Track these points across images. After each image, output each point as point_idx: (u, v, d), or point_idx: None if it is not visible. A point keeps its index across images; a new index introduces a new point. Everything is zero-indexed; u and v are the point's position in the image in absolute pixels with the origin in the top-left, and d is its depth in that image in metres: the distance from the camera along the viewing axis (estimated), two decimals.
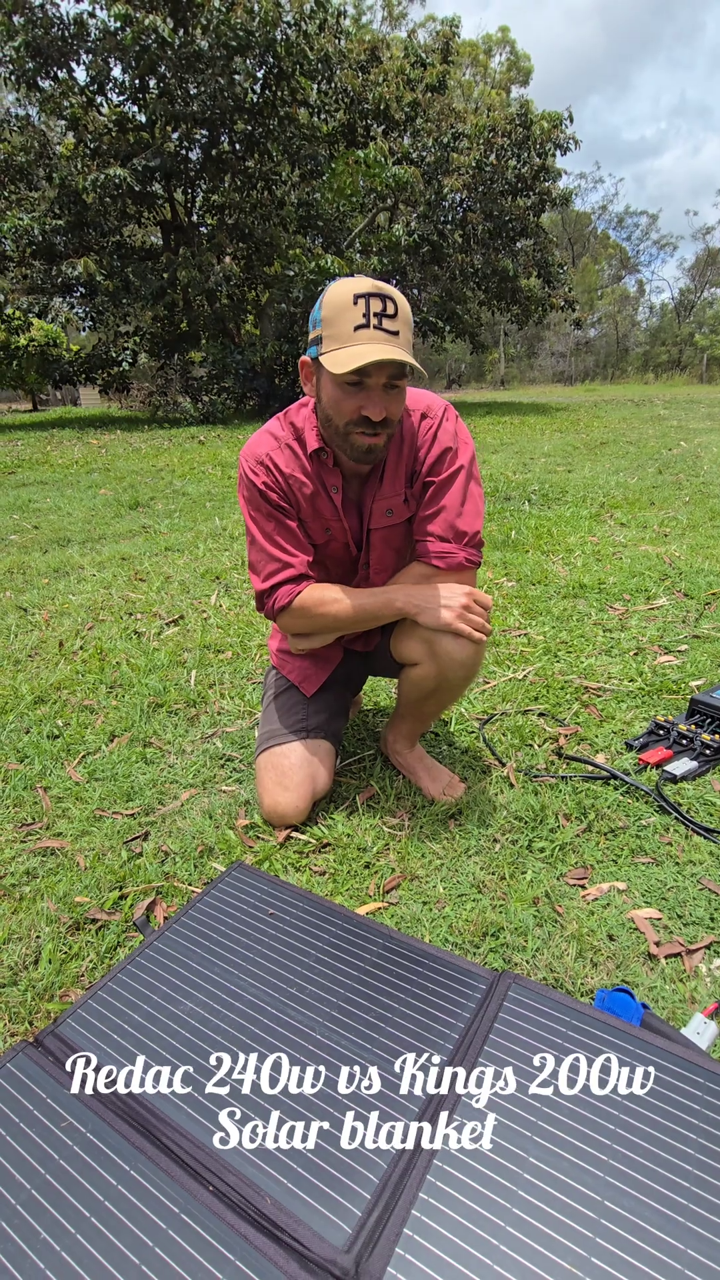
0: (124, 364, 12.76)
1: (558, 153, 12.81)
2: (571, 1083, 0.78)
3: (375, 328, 1.02)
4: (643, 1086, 0.77)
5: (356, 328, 1.02)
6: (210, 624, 2.39)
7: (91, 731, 1.68)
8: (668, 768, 1.41)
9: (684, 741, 1.51)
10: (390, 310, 1.03)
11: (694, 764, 1.43)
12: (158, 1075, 0.83)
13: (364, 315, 1.01)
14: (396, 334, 1.04)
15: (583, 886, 1.12)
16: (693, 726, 1.53)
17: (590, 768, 1.44)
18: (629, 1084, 0.78)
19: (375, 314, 1.02)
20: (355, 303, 1.02)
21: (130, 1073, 0.83)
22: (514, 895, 1.10)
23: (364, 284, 1.03)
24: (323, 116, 12.14)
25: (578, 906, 1.08)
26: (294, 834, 1.28)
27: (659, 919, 1.05)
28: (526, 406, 13.96)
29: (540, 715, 1.68)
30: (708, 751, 1.46)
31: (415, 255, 12.93)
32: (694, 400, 14.57)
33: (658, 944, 1.00)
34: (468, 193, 12.86)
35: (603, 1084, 0.78)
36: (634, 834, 1.24)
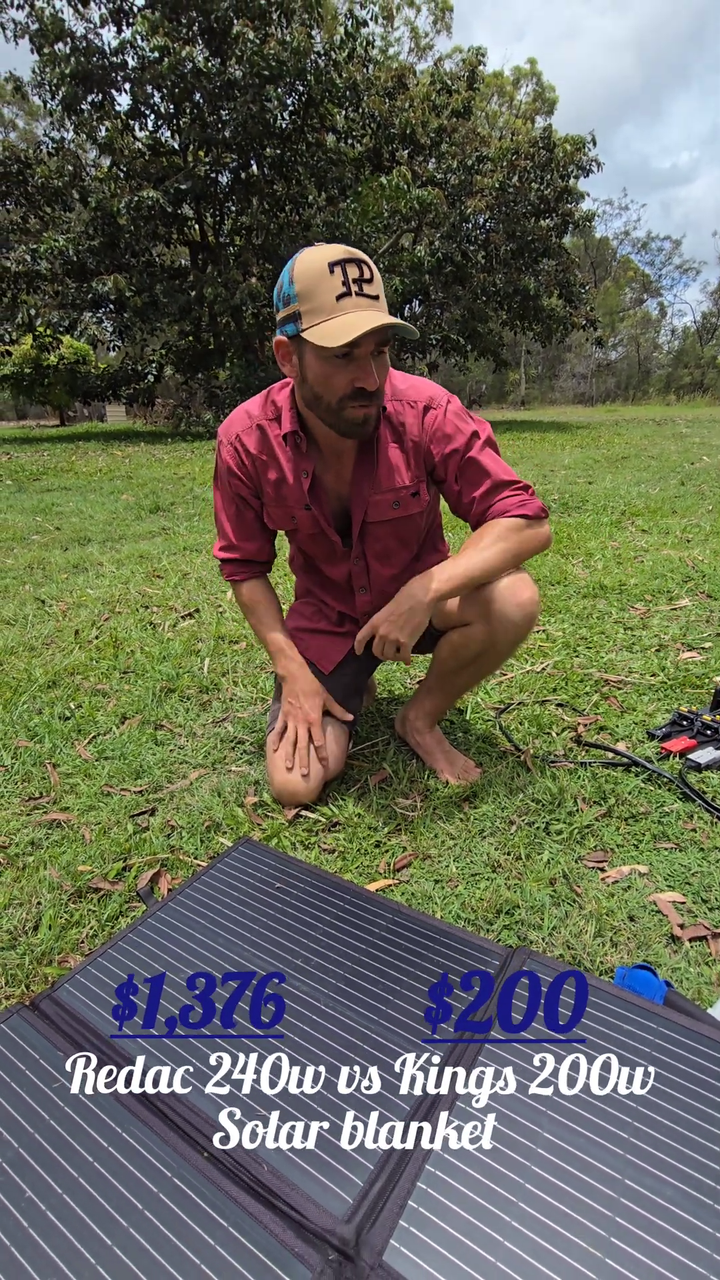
0: (149, 377, 13.00)
1: (580, 175, 12.93)
2: (591, 1060, 0.74)
3: (358, 294, 0.97)
4: (666, 1066, 0.72)
5: (339, 297, 0.96)
6: (225, 617, 2.38)
7: (103, 713, 1.66)
8: (692, 756, 1.36)
9: (709, 732, 1.45)
10: (366, 275, 0.98)
11: (719, 753, 1.37)
12: (155, 1041, 0.79)
13: (344, 283, 0.95)
14: (376, 298, 0.99)
15: (602, 869, 1.08)
16: (717, 717, 1.48)
17: (611, 754, 1.40)
18: (651, 1062, 0.73)
19: (354, 280, 0.97)
20: (332, 271, 0.95)
21: (126, 1039, 0.80)
22: (530, 875, 1.06)
23: (334, 250, 0.97)
24: (350, 141, 12.39)
25: (596, 888, 1.03)
26: (304, 813, 1.25)
27: (682, 902, 1.00)
28: (547, 424, 13.97)
29: (559, 705, 1.64)
30: None
31: (438, 275, 13.07)
32: (716, 420, 14.48)
33: (681, 926, 0.95)
34: (491, 214, 13.01)
35: (624, 1062, 0.73)
36: (656, 820, 1.19)
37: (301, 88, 10.72)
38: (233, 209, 12.34)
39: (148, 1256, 0.59)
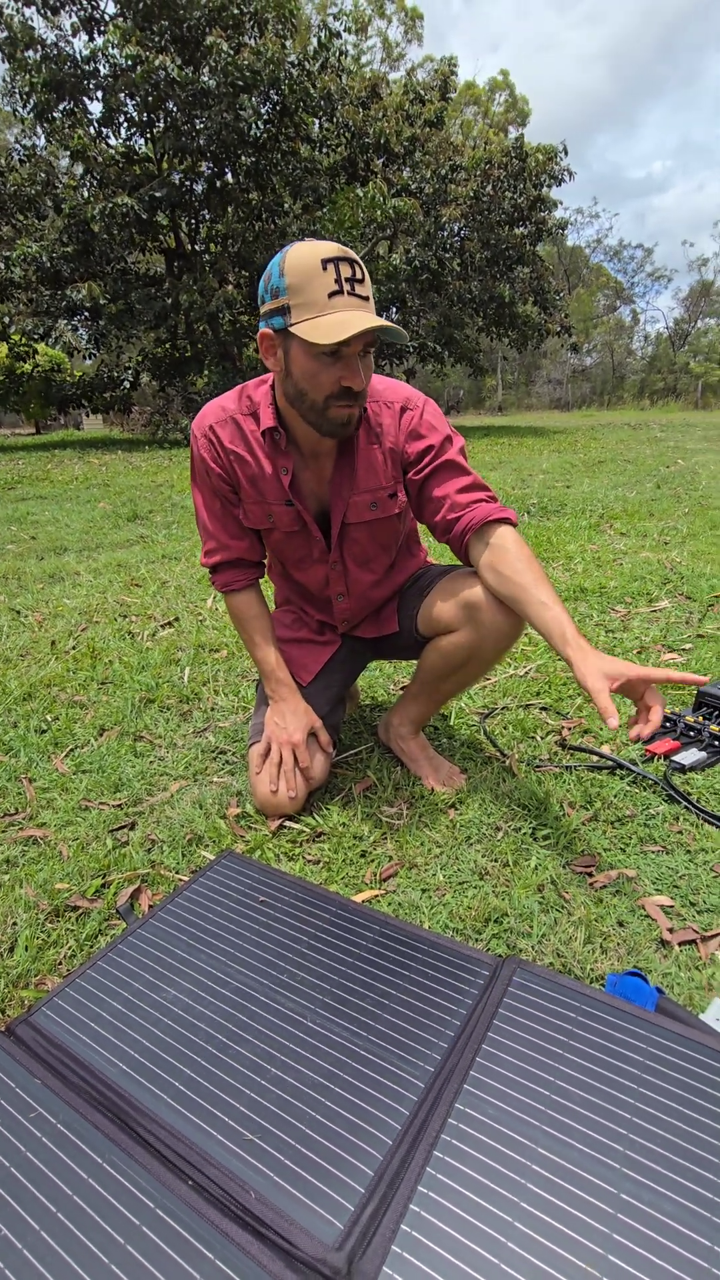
0: (125, 385, 12.90)
1: (553, 184, 13.10)
2: (582, 1069, 0.72)
3: (350, 294, 0.96)
4: (659, 1075, 0.71)
5: (331, 294, 0.95)
6: (206, 625, 2.35)
7: (81, 726, 1.63)
8: (676, 758, 1.36)
9: (692, 733, 1.46)
10: (359, 275, 0.98)
11: (703, 754, 1.38)
12: (136, 1065, 0.77)
13: (336, 281, 0.95)
14: (367, 299, 0.99)
15: (590, 874, 1.07)
16: (700, 718, 1.49)
17: (595, 758, 1.39)
18: (645, 1072, 0.72)
19: (347, 279, 0.96)
20: (325, 268, 0.95)
21: (107, 1063, 0.77)
22: (518, 882, 1.05)
23: (329, 247, 0.96)
24: (324, 150, 12.45)
25: (585, 893, 1.02)
26: (287, 823, 1.22)
27: (671, 906, 1.00)
28: (524, 429, 14.08)
29: (543, 709, 1.64)
30: (716, 742, 1.42)
31: (414, 283, 13.16)
32: (690, 424, 14.71)
33: (671, 930, 0.95)
34: (465, 222, 13.13)
35: (616, 1071, 0.72)
36: (642, 823, 1.19)
37: (276, 97, 10.76)
38: (208, 217, 12.32)
39: None
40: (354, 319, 0.95)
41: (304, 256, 0.96)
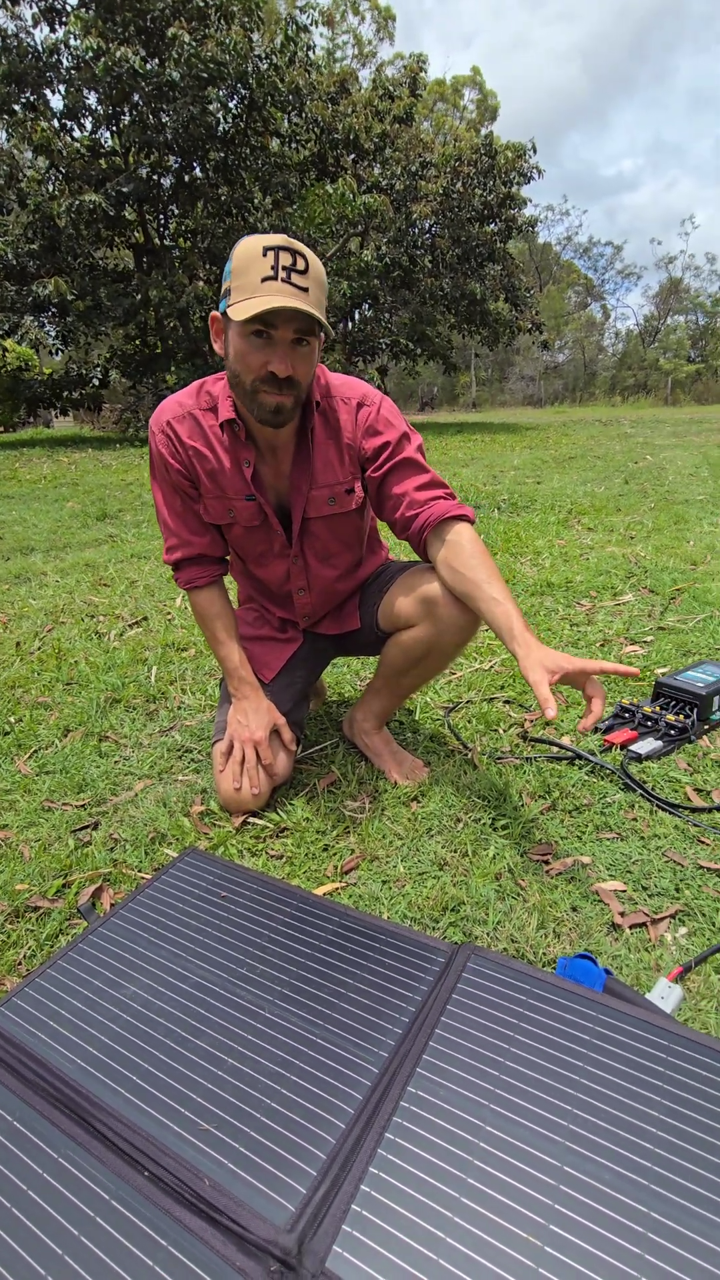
0: (94, 381, 12.73)
1: (522, 181, 13.20)
2: (531, 1050, 0.75)
3: (284, 280, 0.98)
4: (604, 1052, 0.74)
5: (264, 279, 0.98)
6: (174, 624, 2.34)
7: (45, 727, 1.62)
8: (633, 747, 1.40)
9: (649, 723, 1.49)
10: (300, 266, 0.99)
11: (659, 743, 1.41)
12: (94, 1061, 0.77)
13: (272, 268, 0.98)
14: (306, 290, 1.00)
15: (546, 862, 1.09)
16: (657, 708, 1.52)
17: (555, 749, 1.42)
18: (591, 1050, 0.74)
19: (284, 267, 0.98)
20: (265, 254, 0.98)
21: (65, 1060, 0.78)
22: (476, 871, 1.07)
23: (275, 238, 0.99)
24: (294, 146, 12.40)
25: (541, 880, 1.05)
26: (251, 819, 1.23)
27: (624, 891, 1.03)
28: (497, 426, 14.18)
29: (506, 703, 1.66)
30: (672, 732, 1.45)
31: (386, 279, 13.17)
32: (659, 420, 14.94)
33: (622, 914, 0.97)
34: (436, 219, 13.17)
35: (564, 1051, 0.74)
36: (599, 811, 1.22)
37: (244, 90, 10.68)
38: (177, 212, 12.20)
39: None
40: (273, 300, 0.97)
41: (250, 244, 1.00)
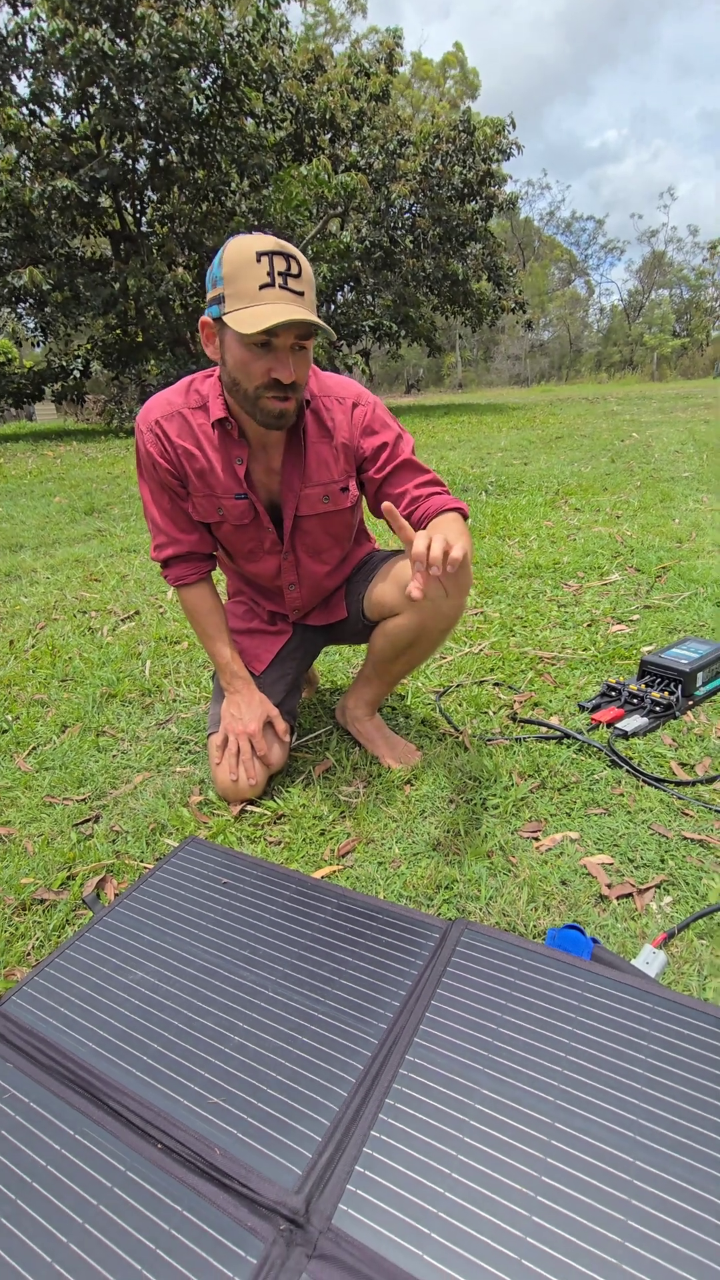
0: (75, 373, 12.58)
1: (501, 158, 13.05)
2: (522, 1016, 0.78)
3: (281, 287, 0.99)
4: (592, 1015, 0.78)
5: (262, 286, 0.98)
6: (167, 617, 2.36)
7: (42, 724, 1.64)
8: (619, 725, 1.43)
9: (635, 701, 1.53)
10: (294, 270, 1.00)
11: (644, 720, 1.45)
12: (105, 1043, 0.81)
13: (268, 274, 0.98)
14: (302, 294, 1.01)
15: (536, 838, 1.13)
16: (643, 686, 1.56)
17: (543, 729, 1.46)
18: (579, 1014, 0.78)
19: (280, 273, 0.99)
20: (259, 260, 0.98)
21: (77, 1043, 0.81)
22: (468, 850, 1.10)
23: (266, 241, 0.99)
24: (269, 126, 12.20)
25: (531, 857, 1.08)
26: (249, 808, 1.26)
27: (611, 864, 1.06)
28: (484, 407, 14.13)
29: (495, 685, 1.69)
30: (657, 709, 1.49)
31: (368, 261, 13.04)
32: (646, 396, 14.93)
33: (609, 886, 1.01)
34: (415, 198, 13.03)
35: (554, 1016, 0.78)
36: (586, 788, 1.25)
37: (216, 70, 10.49)
38: (154, 197, 12.02)
39: (104, 1249, 0.61)
40: (276, 311, 0.97)
41: (241, 248, 1.00)
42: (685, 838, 1.11)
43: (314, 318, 1.00)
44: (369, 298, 14.05)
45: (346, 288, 13.90)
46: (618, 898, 0.99)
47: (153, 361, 11.45)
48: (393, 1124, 0.69)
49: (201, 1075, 0.76)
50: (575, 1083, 0.71)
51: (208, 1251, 0.60)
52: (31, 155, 10.51)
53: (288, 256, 1.00)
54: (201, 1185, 0.65)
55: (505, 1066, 0.73)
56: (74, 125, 11.04)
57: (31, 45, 9.90)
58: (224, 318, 1.01)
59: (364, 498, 1.29)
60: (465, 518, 1.20)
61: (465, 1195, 0.62)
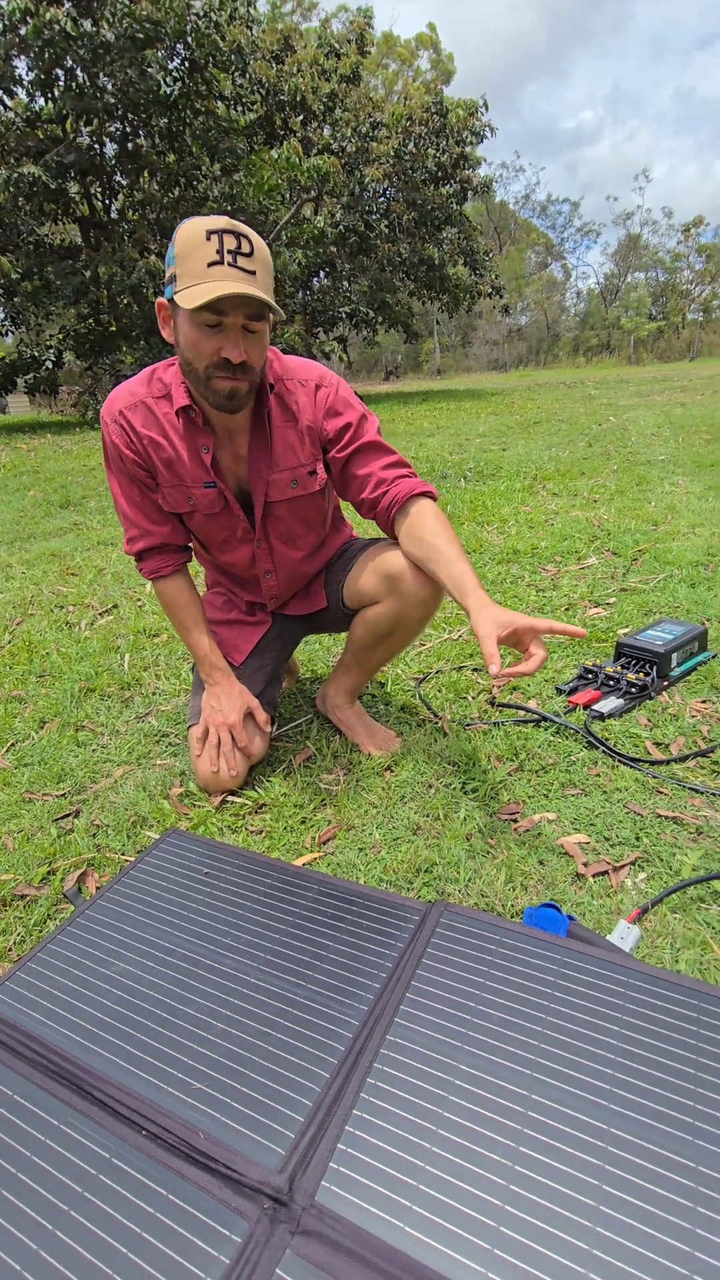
0: (47, 364, 12.37)
1: (475, 141, 12.96)
2: (500, 993, 0.80)
3: (230, 265, 0.98)
4: (568, 990, 0.79)
5: (210, 264, 0.97)
6: (145, 610, 2.34)
7: (20, 720, 1.63)
8: (596, 707, 1.45)
9: (611, 682, 1.55)
10: (246, 249, 0.99)
11: (620, 701, 1.47)
12: (89, 1035, 0.81)
13: (218, 252, 0.97)
14: (254, 274, 1.00)
15: (514, 820, 1.14)
16: (619, 668, 1.58)
17: (521, 712, 1.47)
18: (555, 989, 0.80)
19: (230, 250, 0.98)
20: (209, 239, 0.97)
21: (61, 1036, 0.81)
22: (448, 833, 1.12)
23: (218, 221, 0.99)
24: (240, 109, 12.00)
25: (509, 838, 1.10)
26: (230, 798, 1.27)
27: (587, 843, 1.08)
28: (462, 393, 14.11)
29: (475, 670, 1.71)
30: (633, 690, 1.51)
31: (343, 246, 12.92)
32: (623, 380, 14.99)
33: (585, 864, 1.03)
34: (389, 182, 12.91)
35: (530, 992, 0.80)
36: (563, 769, 1.27)
37: (184, 51, 10.28)
38: (123, 183, 11.79)
39: (90, 1235, 0.61)
40: (222, 286, 0.97)
41: (192, 228, 0.99)
42: (660, 815, 1.13)
43: (260, 294, 0.98)
44: (345, 284, 13.93)
45: (322, 274, 13.77)
46: (594, 875, 1.01)
47: (126, 350, 11.28)
48: (374, 1102, 0.70)
49: (185, 1062, 0.76)
50: (551, 1055, 0.72)
51: (193, 1233, 0.61)
52: None
53: (239, 235, 0.99)
54: (187, 1169, 0.66)
55: (483, 1043, 0.75)
56: (38, 109, 10.79)
57: None
58: (175, 297, 1.01)
59: (333, 479, 1.28)
60: (434, 500, 1.21)
61: (445, 1168, 0.63)
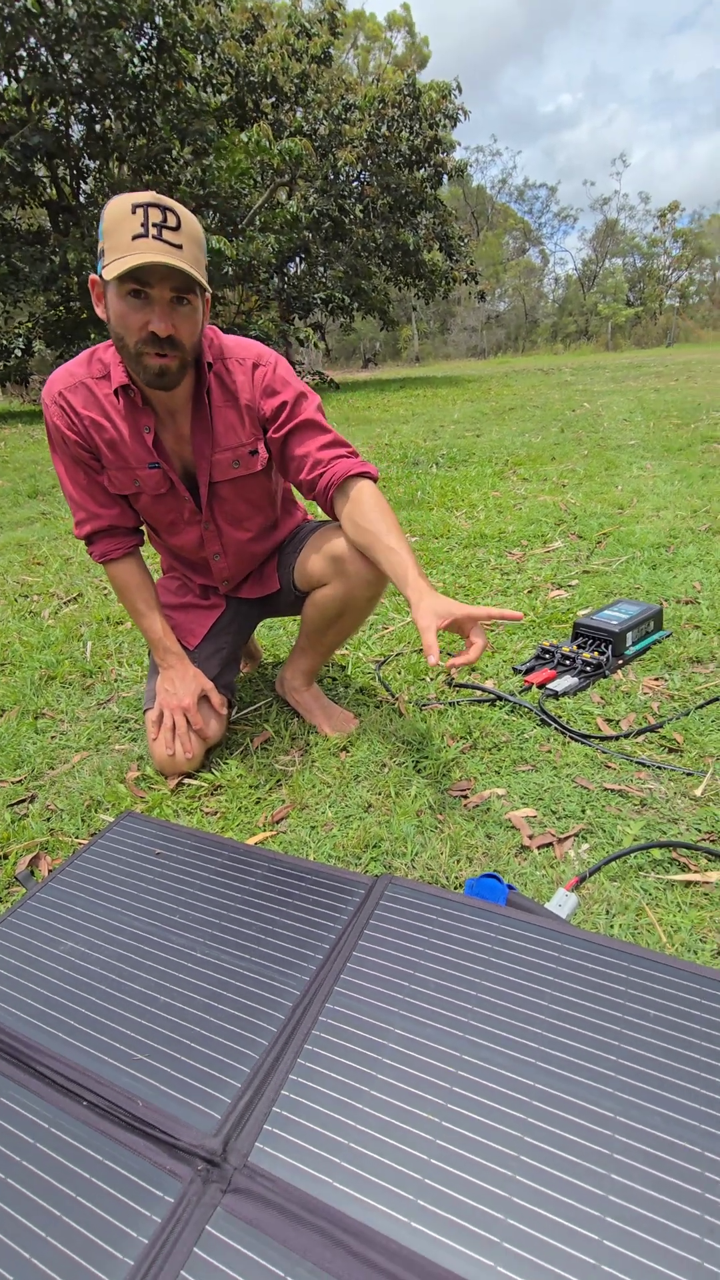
0: (16, 352, 12.13)
1: (449, 124, 12.86)
2: (439, 961, 0.82)
3: (155, 238, 0.97)
4: (504, 956, 0.82)
5: (135, 237, 0.97)
6: (110, 599, 2.33)
7: None
8: (551, 686, 1.47)
9: (567, 662, 1.57)
10: (172, 222, 0.99)
11: (575, 680, 1.49)
12: (34, 1011, 0.82)
13: (142, 225, 0.97)
14: (180, 247, 1.00)
15: (465, 796, 1.17)
16: (575, 648, 1.60)
17: (478, 692, 1.49)
18: (491, 955, 0.82)
19: (155, 224, 0.97)
20: (134, 212, 0.97)
21: (4, 1013, 0.82)
22: (398, 811, 1.13)
23: (143, 195, 0.99)
24: (210, 90, 11.79)
25: (458, 814, 1.12)
26: (186, 781, 1.27)
27: (535, 816, 1.11)
28: (440, 380, 14.09)
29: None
30: (588, 669, 1.54)
31: (317, 231, 12.79)
32: (600, 366, 15.04)
33: (530, 837, 1.05)
34: (363, 165, 12.79)
35: (467, 959, 0.82)
36: (516, 747, 1.29)
37: (151, 30, 10.07)
38: (91, 165, 11.55)
39: (26, 1201, 0.63)
40: (144, 257, 0.96)
41: (119, 203, 0.99)
42: (606, 789, 1.16)
43: (182, 264, 0.97)
44: (320, 269, 13.81)
45: (297, 259, 13.63)
46: (538, 847, 1.04)
47: (94, 338, 11.09)
48: (311, 1067, 0.72)
49: (127, 1035, 0.78)
50: (484, 1018, 0.75)
51: (127, 1195, 0.62)
52: None
53: (164, 208, 0.98)
54: (125, 1136, 0.68)
55: (420, 1008, 0.77)
56: (0, 89, 10.52)
57: None
58: (102, 271, 1.00)
59: (273, 458, 1.28)
60: (374, 480, 1.21)
61: (376, 1126, 0.65)
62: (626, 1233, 0.56)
